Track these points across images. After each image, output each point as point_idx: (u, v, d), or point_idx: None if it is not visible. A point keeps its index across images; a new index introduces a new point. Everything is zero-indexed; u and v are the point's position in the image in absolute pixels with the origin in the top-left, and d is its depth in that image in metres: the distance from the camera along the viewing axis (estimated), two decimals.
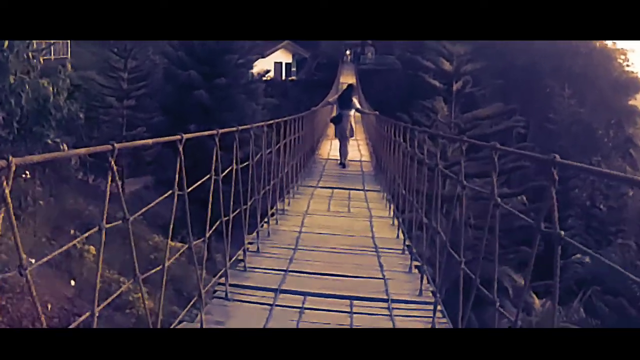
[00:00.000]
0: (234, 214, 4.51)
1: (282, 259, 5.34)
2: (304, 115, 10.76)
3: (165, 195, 3.13)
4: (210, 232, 3.97)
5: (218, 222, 4.14)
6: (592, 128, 29.58)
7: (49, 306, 6.31)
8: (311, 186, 9.50)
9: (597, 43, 37.25)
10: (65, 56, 25.60)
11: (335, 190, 9.28)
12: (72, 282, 7.32)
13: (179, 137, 2.96)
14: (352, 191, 9.26)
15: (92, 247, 7.92)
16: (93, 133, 20.22)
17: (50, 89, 8.72)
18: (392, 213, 7.61)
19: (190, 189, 3.36)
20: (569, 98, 29.41)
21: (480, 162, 18.88)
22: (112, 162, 2.17)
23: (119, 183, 2.39)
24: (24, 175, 8.38)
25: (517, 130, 26.13)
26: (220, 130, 3.84)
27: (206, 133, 3.85)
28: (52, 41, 23.14)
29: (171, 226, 3.26)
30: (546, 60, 32.83)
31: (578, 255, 19.55)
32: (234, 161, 4.67)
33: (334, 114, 12.15)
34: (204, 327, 3.57)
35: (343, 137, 11.36)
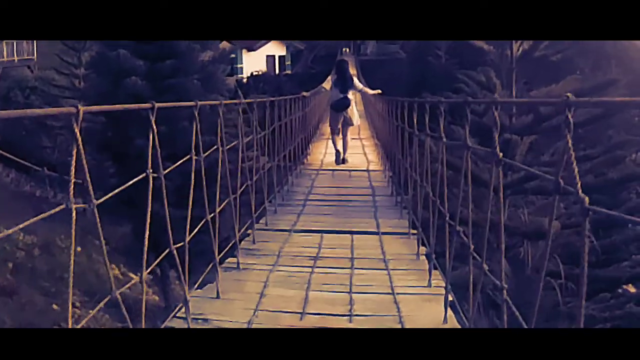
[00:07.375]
0: None
1: None
2: (277, 101, 8.31)
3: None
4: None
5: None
6: (630, 114, 29.87)
7: None
8: (283, 230, 6.06)
9: None
10: (30, 57, 25.54)
11: (327, 236, 5.83)
12: None
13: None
14: (356, 236, 5.85)
15: None
16: (42, 142, 18.84)
17: None
18: (446, 307, 3.73)
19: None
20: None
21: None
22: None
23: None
24: None
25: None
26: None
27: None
28: (13, 41, 23.25)
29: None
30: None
31: None
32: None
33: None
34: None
35: (345, 124, 10.35)
